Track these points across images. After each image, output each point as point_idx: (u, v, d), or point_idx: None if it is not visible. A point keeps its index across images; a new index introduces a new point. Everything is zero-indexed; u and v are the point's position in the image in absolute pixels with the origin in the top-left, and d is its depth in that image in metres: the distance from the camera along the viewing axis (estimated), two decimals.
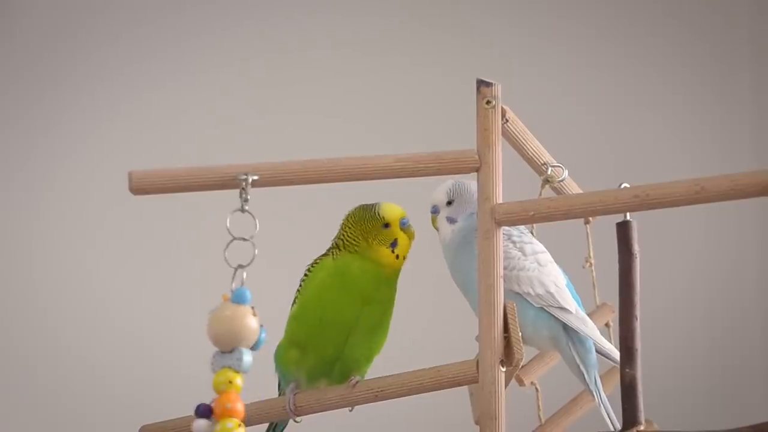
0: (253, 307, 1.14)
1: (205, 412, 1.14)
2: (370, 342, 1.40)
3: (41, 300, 2.13)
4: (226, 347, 1.14)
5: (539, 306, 1.34)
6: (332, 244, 1.43)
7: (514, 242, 1.36)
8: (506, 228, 1.35)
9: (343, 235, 1.42)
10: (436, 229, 1.40)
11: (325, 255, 1.42)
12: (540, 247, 1.37)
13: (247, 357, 1.14)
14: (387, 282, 1.41)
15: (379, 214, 1.41)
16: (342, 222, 1.43)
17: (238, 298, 1.14)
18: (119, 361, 2.12)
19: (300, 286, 1.42)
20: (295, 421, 1.41)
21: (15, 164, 2.14)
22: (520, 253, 1.35)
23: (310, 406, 1.39)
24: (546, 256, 1.36)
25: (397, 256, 1.40)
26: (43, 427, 2.10)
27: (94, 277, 2.15)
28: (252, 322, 1.14)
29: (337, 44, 2.25)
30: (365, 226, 1.41)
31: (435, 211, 1.40)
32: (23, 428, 2.09)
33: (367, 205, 1.43)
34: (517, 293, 1.33)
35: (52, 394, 2.10)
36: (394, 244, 1.40)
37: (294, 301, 1.42)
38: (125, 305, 2.14)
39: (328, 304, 1.39)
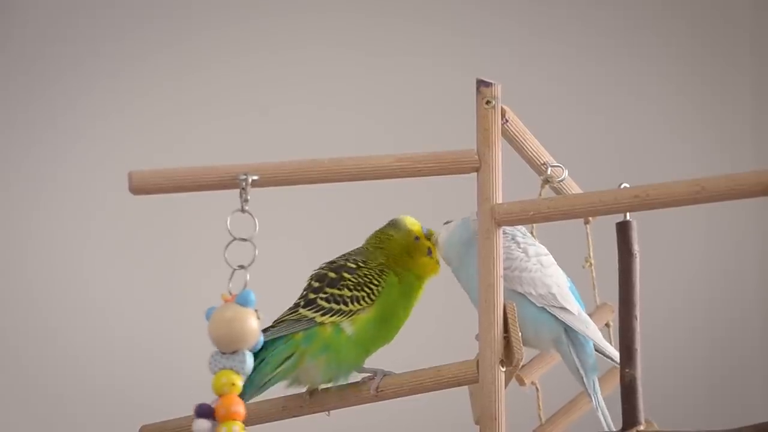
0: (257, 310, 1.14)
1: (206, 412, 1.13)
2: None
3: (41, 299, 2.13)
4: (228, 348, 1.14)
5: (541, 305, 1.34)
6: (381, 260, 1.39)
7: (518, 243, 1.36)
8: (510, 230, 1.36)
9: (391, 258, 1.39)
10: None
11: (384, 271, 1.38)
12: (543, 250, 1.37)
13: (250, 360, 1.14)
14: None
15: (407, 229, 1.40)
16: (380, 245, 1.41)
17: (242, 300, 1.14)
18: (119, 361, 2.12)
19: (365, 290, 1.37)
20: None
21: (14, 163, 2.14)
22: (523, 255, 1.35)
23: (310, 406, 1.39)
24: (549, 259, 1.36)
25: (437, 261, 1.40)
26: (44, 427, 2.10)
27: (94, 277, 2.15)
28: (255, 325, 1.14)
29: (338, 44, 2.25)
30: (404, 244, 1.39)
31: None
32: (23, 428, 2.09)
33: (390, 225, 1.41)
34: (520, 293, 1.33)
35: (52, 394, 2.10)
36: (429, 251, 1.40)
37: (358, 300, 1.37)
38: (125, 304, 2.14)
39: (393, 321, 1.38)
